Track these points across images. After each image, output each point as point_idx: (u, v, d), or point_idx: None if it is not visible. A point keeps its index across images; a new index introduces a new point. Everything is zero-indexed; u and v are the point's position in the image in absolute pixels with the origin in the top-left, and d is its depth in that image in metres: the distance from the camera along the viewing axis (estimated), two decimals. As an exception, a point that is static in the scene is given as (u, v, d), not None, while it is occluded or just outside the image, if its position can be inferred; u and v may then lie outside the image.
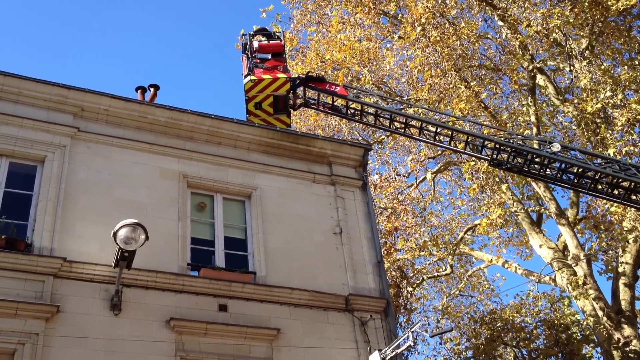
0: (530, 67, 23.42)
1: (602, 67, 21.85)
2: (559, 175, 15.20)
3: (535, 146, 15.55)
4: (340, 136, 24.52)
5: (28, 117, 12.67)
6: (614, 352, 20.13)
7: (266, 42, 16.89)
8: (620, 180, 14.61)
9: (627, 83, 21.09)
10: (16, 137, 12.38)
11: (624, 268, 21.52)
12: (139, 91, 16.03)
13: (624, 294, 21.22)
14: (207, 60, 59.85)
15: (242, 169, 14.05)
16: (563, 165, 15.03)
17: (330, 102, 16.94)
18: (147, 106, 13.93)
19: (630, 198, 14.69)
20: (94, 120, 13.30)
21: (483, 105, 22.95)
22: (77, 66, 54.83)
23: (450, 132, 15.94)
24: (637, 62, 22.27)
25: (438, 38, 21.81)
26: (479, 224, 23.90)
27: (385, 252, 22.40)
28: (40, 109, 12.92)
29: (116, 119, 13.46)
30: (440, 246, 25.29)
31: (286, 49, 18.46)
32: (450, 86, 22.19)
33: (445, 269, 27.02)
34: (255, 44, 16.68)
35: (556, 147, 15.03)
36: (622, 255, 21.69)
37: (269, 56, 16.55)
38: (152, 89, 16.17)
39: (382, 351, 12.15)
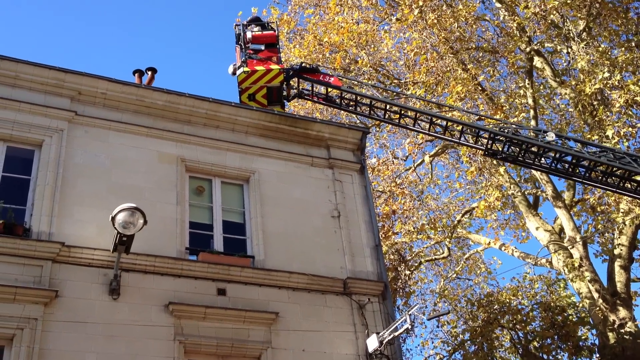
0: (528, 49, 23.34)
1: (600, 48, 21.78)
2: (553, 164, 15.22)
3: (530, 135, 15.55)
4: (338, 119, 24.41)
5: (25, 101, 12.64)
6: (610, 333, 20.23)
7: (260, 32, 16.73)
8: (614, 168, 14.66)
9: (624, 65, 21.05)
10: (14, 121, 12.35)
11: (620, 250, 21.57)
12: (136, 74, 15.94)
13: (619, 276, 21.29)
14: (205, 43, 59.57)
15: (240, 153, 14.02)
16: (558, 154, 15.05)
17: (325, 93, 16.83)
18: (145, 90, 13.89)
19: (625, 186, 14.75)
20: (91, 104, 13.26)
21: (480, 88, 22.91)
22: (74, 50, 54.60)
23: (445, 122, 15.91)
24: (634, 44, 22.19)
25: (435, 21, 21.71)
26: (477, 207, 23.94)
27: (383, 236, 22.43)
28: (37, 92, 12.88)
29: (114, 103, 13.42)
30: (438, 229, 25.31)
31: (282, 34, 18.29)
32: (448, 69, 22.13)
33: (443, 252, 27.10)
34: (249, 35, 16.52)
35: (551, 136, 15.06)
36: (618, 238, 21.73)
37: (263, 47, 16.42)
38: (149, 73, 16.09)
39: (380, 334, 12.24)
